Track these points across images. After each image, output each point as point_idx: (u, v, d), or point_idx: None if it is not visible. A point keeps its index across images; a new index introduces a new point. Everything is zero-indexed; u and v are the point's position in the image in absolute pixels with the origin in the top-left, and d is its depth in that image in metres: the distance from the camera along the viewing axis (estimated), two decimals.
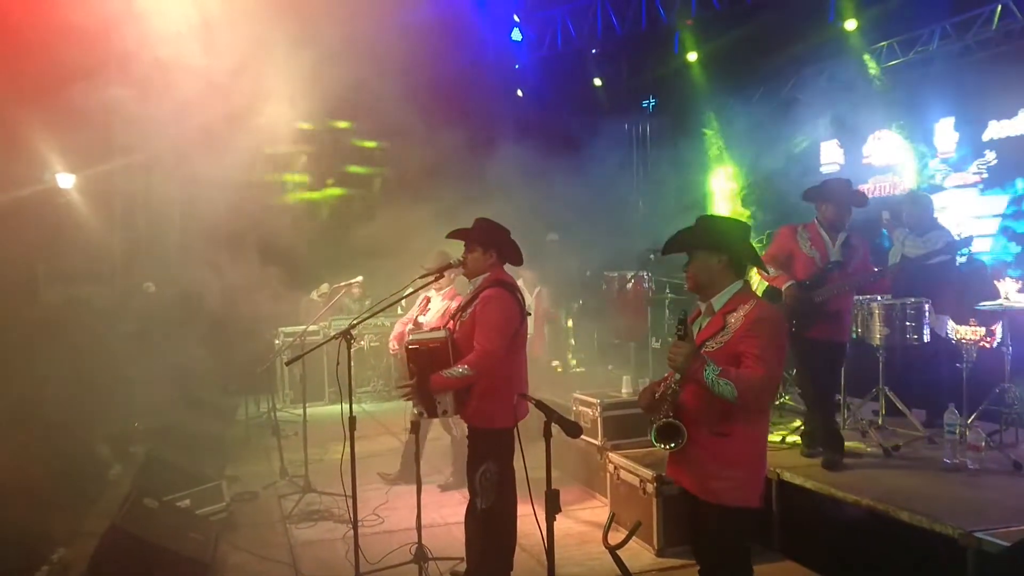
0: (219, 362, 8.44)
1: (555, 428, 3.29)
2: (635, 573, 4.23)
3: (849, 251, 5.15)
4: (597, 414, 6.19)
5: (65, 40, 6.60)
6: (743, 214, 11.57)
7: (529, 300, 7.36)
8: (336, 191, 13.10)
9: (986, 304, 5.60)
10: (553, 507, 3.23)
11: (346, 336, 4.40)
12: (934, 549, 3.97)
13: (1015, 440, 5.43)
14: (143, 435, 7.30)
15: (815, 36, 10.10)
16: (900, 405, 5.78)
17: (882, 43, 9.94)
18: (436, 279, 4.70)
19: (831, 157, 10.90)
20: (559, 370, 9.62)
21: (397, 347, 6.31)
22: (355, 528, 4.34)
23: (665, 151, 13.29)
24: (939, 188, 9.16)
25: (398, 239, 8.66)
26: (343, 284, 8.22)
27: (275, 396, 8.94)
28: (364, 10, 7.64)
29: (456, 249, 4.61)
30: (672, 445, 3.06)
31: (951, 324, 5.82)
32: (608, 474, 5.70)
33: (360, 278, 8.50)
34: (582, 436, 5.11)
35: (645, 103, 13.78)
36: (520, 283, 5.88)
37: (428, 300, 6.16)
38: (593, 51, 12.79)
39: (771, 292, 5.29)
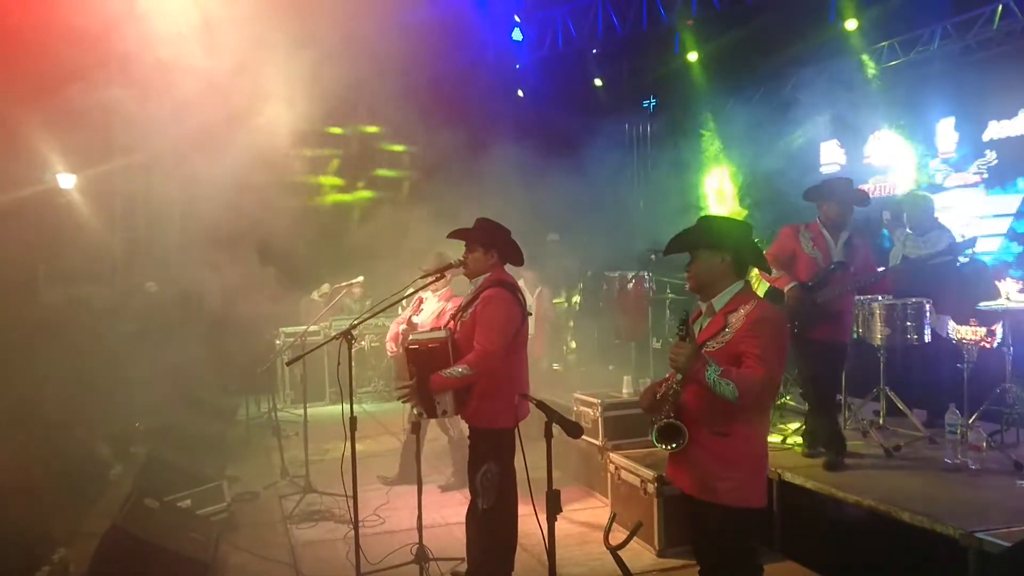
0: (220, 362, 8.44)
1: (556, 428, 3.29)
2: (636, 573, 4.22)
3: (851, 251, 5.14)
4: (598, 414, 6.19)
5: (66, 40, 6.60)
6: (741, 214, 11.56)
7: (530, 300, 7.36)
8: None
9: (987, 304, 5.59)
10: (554, 507, 3.22)
11: (347, 336, 4.39)
12: (935, 549, 3.97)
13: (1016, 440, 5.42)
14: (144, 435, 7.30)
15: (815, 36, 10.08)
16: (901, 405, 5.77)
17: (883, 43, 9.93)
18: (437, 279, 4.69)
19: (831, 157, 10.89)
20: (557, 368, 9.61)
21: (395, 348, 6.31)
22: (356, 528, 4.34)
23: (665, 151, 13.29)
24: (940, 188, 9.15)
25: (397, 239, 8.68)
26: (344, 284, 8.21)
27: (276, 396, 8.94)
28: (364, 10, 7.64)
29: (454, 250, 4.61)
30: (673, 445, 3.06)
31: (952, 324, 5.82)
32: (609, 474, 5.70)
33: (361, 278, 8.49)
34: (583, 436, 5.11)
35: (645, 103, 13.77)
36: (521, 283, 5.87)
37: (421, 300, 6.15)
38: (594, 51, 12.77)
39: (773, 293, 5.28)
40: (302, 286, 10.83)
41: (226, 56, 7.43)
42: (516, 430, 4.12)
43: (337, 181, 13.15)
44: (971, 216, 8.74)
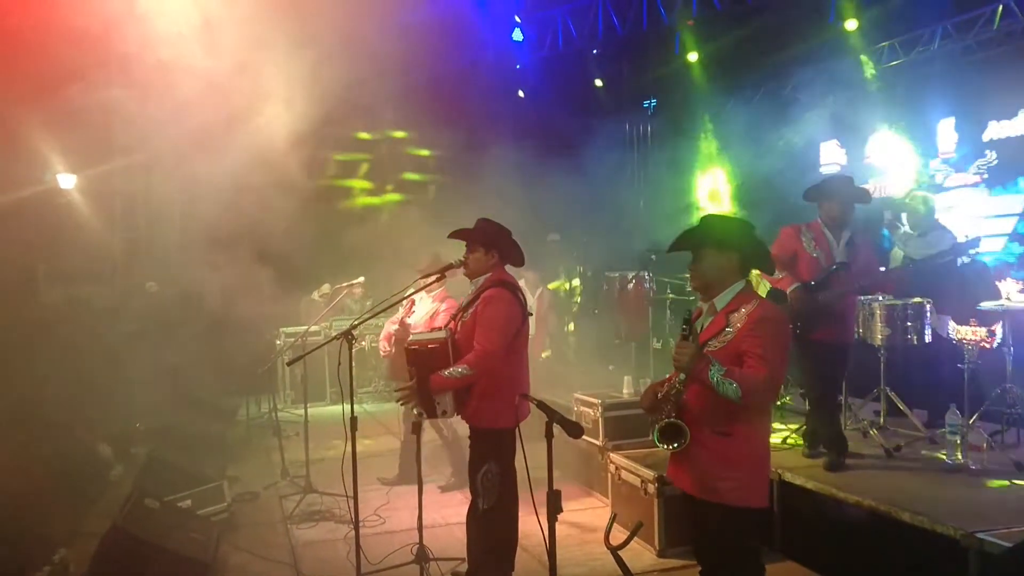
0: (220, 362, 8.43)
1: (556, 428, 3.29)
2: (636, 573, 4.22)
3: (854, 250, 5.11)
4: (598, 414, 6.19)
5: (66, 41, 6.60)
6: (740, 214, 11.55)
7: (531, 301, 7.36)
8: (395, 196, 13.34)
9: (987, 304, 5.59)
10: (555, 507, 3.22)
11: (347, 336, 4.40)
12: (936, 550, 3.96)
13: (1017, 441, 5.42)
14: (144, 435, 7.30)
15: (815, 36, 10.08)
16: (901, 405, 5.76)
17: (883, 43, 9.93)
18: (438, 279, 4.69)
19: (831, 157, 10.90)
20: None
21: (388, 348, 6.28)
22: (356, 528, 4.34)
23: (666, 151, 13.29)
24: (940, 188, 9.15)
25: (397, 240, 8.68)
26: (344, 285, 8.21)
27: (276, 396, 8.95)
28: (364, 10, 7.63)
29: (448, 250, 4.60)
30: (675, 445, 3.06)
31: (952, 324, 5.82)
32: (609, 474, 5.70)
33: (362, 278, 8.48)
34: (583, 436, 5.11)
35: (646, 103, 13.77)
36: (522, 284, 5.87)
37: (413, 302, 6.12)
38: (594, 51, 12.77)
39: (775, 294, 5.25)
40: (303, 286, 10.83)
41: (226, 56, 7.42)
42: (517, 430, 4.12)
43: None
44: (974, 216, 8.73)
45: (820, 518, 4.75)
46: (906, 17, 9.41)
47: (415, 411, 4.28)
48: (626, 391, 6.52)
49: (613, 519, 4.19)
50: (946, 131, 9.30)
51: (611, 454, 5.78)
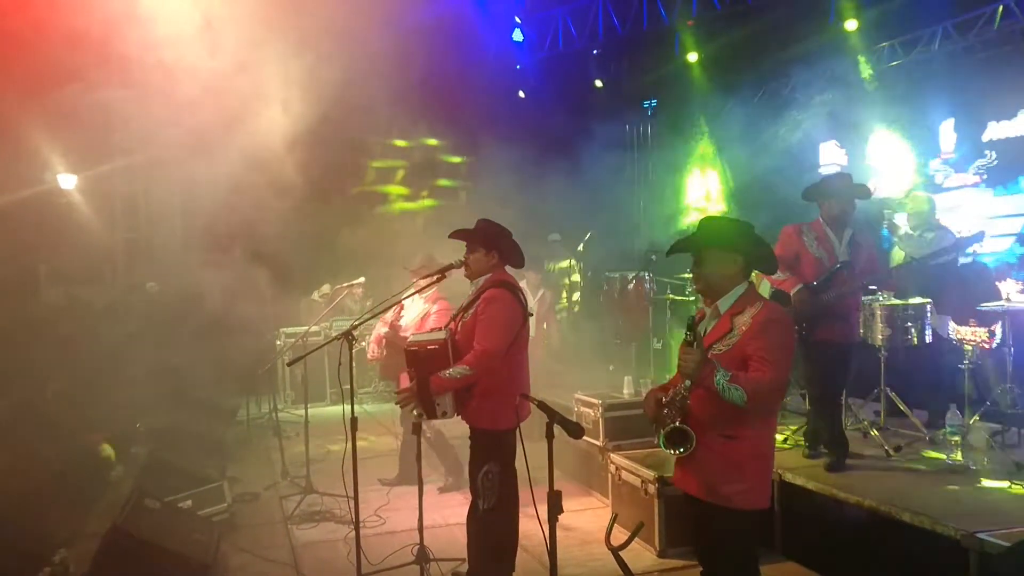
0: (220, 363, 8.44)
1: (557, 429, 3.28)
2: (637, 574, 4.23)
3: (856, 249, 5.11)
4: (599, 415, 6.19)
5: (65, 41, 6.60)
6: (740, 214, 11.55)
7: (532, 302, 7.35)
8: (430, 202, 13.46)
9: (987, 305, 5.59)
10: (555, 508, 3.22)
11: (348, 337, 4.39)
12: (936, 550, 3.97)
13: (1017, 441, 5.42)
14: (144, 436, 7.30)
15: (815, 37, 10.08)
16: (902, 406, 5.76)
17: (883, 44, 9.93)
18: (439, 280, 4.69)
19: (831, 158, 10.89)
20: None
21: (377, 350, 6.23)
22: (357, 529, 4.34)
23: (666, 152, 13.29)
24: (939, 189, 9.15)
25: (396, 241, 8.68)
26: (345, 285, 8.21)
27: (276, 397, 8.95)
28: (364, 11, 7.63)
29: (442, 251, 4.59)
30: (681, 450, 3.02)
31: (952, 325, 5.82)
32: (610, 475, 5.70)
33: (362, 279, 8.48)
34: (584, 437, 5.11)
35: (646, 104, 13.76)
36: (523, 284, 5.86)
37: (403, 305, 6.07)
38: (594, 52, 12.77)
39: (778, 296, 5.24)
40: (303, 287, 10.84)
41: (227, 57, 7.43)
42: (517, 431, 4.12)
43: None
44: (980, 216, 8.70)
45: (821, 518, 4.75)
46: (906, 17, 9.41)
47: (415, 412, 4.28)
48: (626, 391, 6.52)
49: (614, 519, 4.18)
50: (946, 131, 9.30)
51: (611, 454, 5.78)
